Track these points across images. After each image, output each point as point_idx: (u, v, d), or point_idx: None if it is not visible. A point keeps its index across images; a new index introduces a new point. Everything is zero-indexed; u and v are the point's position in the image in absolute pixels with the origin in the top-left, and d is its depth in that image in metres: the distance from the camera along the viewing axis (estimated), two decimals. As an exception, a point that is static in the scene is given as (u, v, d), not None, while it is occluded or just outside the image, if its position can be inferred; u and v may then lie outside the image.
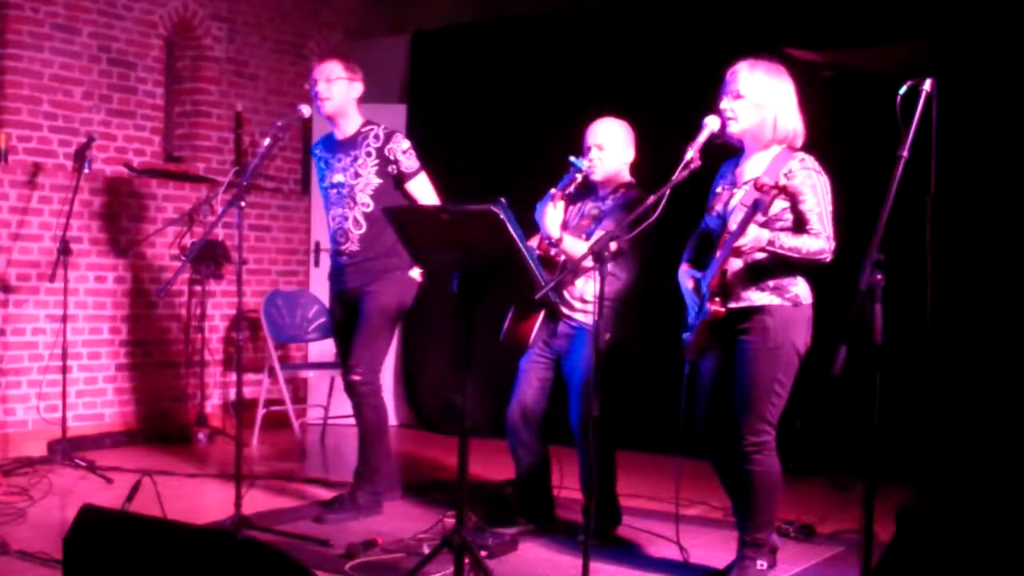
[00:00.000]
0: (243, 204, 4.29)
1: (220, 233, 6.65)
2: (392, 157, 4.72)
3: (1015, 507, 2.90)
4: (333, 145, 4.85)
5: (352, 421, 4.90)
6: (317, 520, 4.62)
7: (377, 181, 4.72)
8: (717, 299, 3.67)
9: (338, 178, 4.78)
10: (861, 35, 5.74)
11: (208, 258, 6.56)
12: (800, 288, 3.71)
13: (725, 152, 3.88)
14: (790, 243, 3.58)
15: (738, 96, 3.69)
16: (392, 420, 6.09)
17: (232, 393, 6.79)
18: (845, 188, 3.94)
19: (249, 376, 6.90)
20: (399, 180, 4.75)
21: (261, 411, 6.71)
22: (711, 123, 3.71)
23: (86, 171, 6.03)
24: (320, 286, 6.97)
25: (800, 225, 3.62)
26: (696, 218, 3.97)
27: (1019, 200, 5.23)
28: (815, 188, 3.62)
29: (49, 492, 5.05)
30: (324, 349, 7.15)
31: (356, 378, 4.71)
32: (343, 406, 5.61)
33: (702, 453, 3.94)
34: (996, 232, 5.26)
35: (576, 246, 4.24)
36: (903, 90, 3.11)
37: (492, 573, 3.71)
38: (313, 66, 4.82)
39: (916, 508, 2.98)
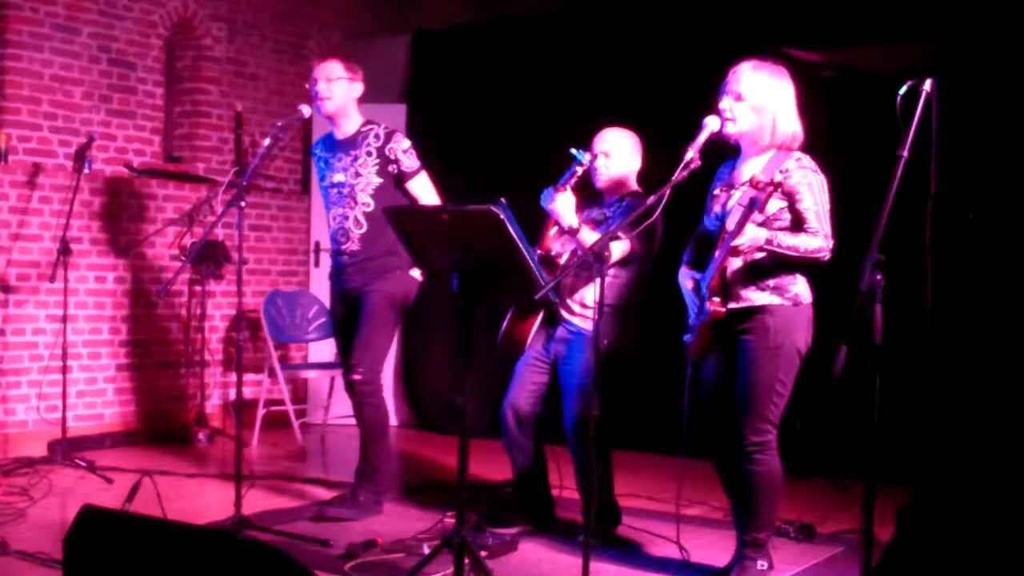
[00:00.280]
0: (243, 204, 4.29)
1: (220, 233, 6.65)
2: (392, 156, 4.72)
3: (1015, 507, 2.90)
4: (333, 145, 4.85)
5: (352, 421, 4.90)
6: (317, 520, 4.62)
7: (377, 180, 4.72)
8: (717, 299, 3.66)
9: (338, 178, 4.78)
10: (861, 35, 5.74)
11: (208, 258, 6.56)
12: (800, 287, 3.71)
13: (724, 152, 3.88)
14: (788, 242, 3.57)
15: (739, 98, 3.69)
16: (392, 420, 6.09)
17: (232, 393, 6.79)
18: (845, 188, 3.94)
19: (249, 376, 6.90)
20: (399, 179, 4.75)
21: (261, 411, 6.71)
22: (711, 123, 3.70)
23: (86, 171, 6.03)
24: (320, 286, 6.97)
25: (798, 224, 3.63)
26: (695, 220, 3.97)
27: (1019, 200, 5.23)
28: (812, 187, 3.62)
29: (49, 492, 5.05)
30: (324, 349, 7.15)
31: (356, 378, 4.71)
32: (343, 406, 5.61)
33: (705, 453, 3.94)
34: (996, 232, 5.26)
35: (593, 239, 4.21)
36: (903, 90, 3.11)
37: (492, 573, 3.71)
38: (313, 66, 4.82)
39: (916, 508, 2.98)
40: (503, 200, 3.49)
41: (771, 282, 3.67)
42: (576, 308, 4.39)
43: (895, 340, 3.15)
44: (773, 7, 6.03)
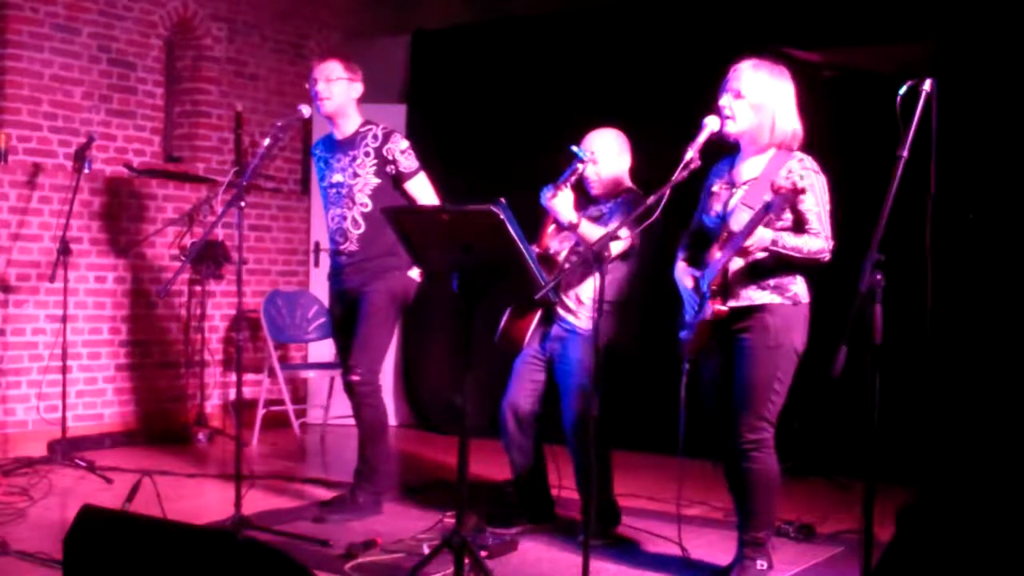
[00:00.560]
0: (243, 204, 4.29)
1: (220, 233, 6.65)
2: (390, 157, 4.72)
3: (1015, 507, 2.90)
4: (332, 145, 4.85)
5: (352, 421, 4.90)
6: (317, 520, 4.62)
7: (376, 181, 4.72)
8: (719, 298, 3.66)
9: (337, 178, 4.78)
10: (861, 35, 5.74)
11: (208, 258, 6.56)
12: (799, 287, 3.72)
13: (723, 151, 3.88)
14: (792, 243, 3.58)
15: (738, 96, 3.69)
16: (392, 420, 6.09)
17: (232, 393, 6.79)
18: (845, 188, 3.95)
19: (249, 376, 6.90)
20: (398, 180, 4.75)
21: (261, 411, 6.71)
22: (711, 123, 3.71)
23: (86, 171, 6.03)
24: (320, 286, 6.97)
25: (799, 225, 3.63)
26: (690, 216, 3.96)
27: (1019, 200, 5.23)
28: (814, 188, 3.63)
29: (49, 492, 5.05)
30: (324, 349, 7.15)
31: (355, 378, 4.71)
32: (343, 406, 5.60)
33: (706, 453, 3.94)
34: (996, 232, 5.26)
35: (594, 232, 4.21)
36: (903, 90, 3.11)
37: (492, 573, 3.71)
38: (313, 66, 4.82)
39: (916, 508, 2.98)
40: (503, 200, 3.49)
41: (772, 281, 3.68)
42: (571, 305, 4.39)
43: (895, 340, 3.15)
44: (773, 7, 6.03)
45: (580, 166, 4.26)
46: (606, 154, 4.37)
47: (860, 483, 3.09)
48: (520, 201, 3.85)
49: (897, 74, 3.18)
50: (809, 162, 3.69)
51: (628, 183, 4.45)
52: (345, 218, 4.75)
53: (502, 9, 7.26)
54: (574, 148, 4.27)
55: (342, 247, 4.78)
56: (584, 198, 4.41)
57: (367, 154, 4.73)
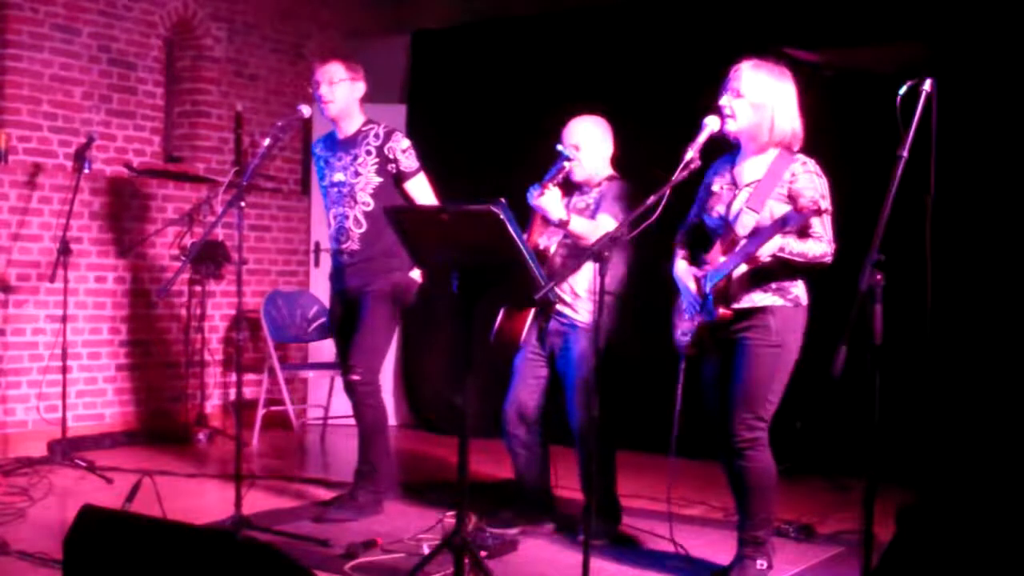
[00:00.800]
0: (243, 204, 4.29)
1: (220, 233, 6.65)
2: (391, 156, 4.72)
3: (1015, 507, 2.90)
4: (333, 144, 4.85)
5: (352, 421, 4.90)
6: (317, 520, 4.62)
7: (377, 180, 4.72)
8: (723, 302, 3.68)
9: (338, 177, 4.78)
10: (861, 35, 5.74)
11: (208, 258, 6.56)
12: (800, 289, 3.73)
13: (723, 150, 3.88)
14: (798, 248, 3.59)
15: (738, 95, 3.70)
16: (392, 420, 6.09)
17: (232, 393, 6.79)
18: (845, 188, 3.94)
19: (249, 376, 6.90)
20: (397, 179, 4.75)
21: (261, 411, 6.71)
22: (711, 123, 3.71)
23: (86, 171, 6.03)
24: (320, 286, 6.97)
25: (803, 229, 3.63)
26: (685, 210, 3.96)
27: (1019, 200, 5.22)
28: (817, 191, 3.63)
29: (49, 492, 5.05)
30: (324, 349, 7.14)
31: (355, 378, 4.71)
32: (343, 406, 5.61)
33: (707, 453, 3.93)
34: (996, 232, 5.26)
35: (586, 225, 4.22)
36: (903, 90, 3.11)
37: (492, 573, 3.71)
38: (315, 68, 4.82)
39: (916, 508, 2.98)
40: (503, 200, 3.49)
41: (774, 284, 3.69)
42: (567, 298, 4.39)
43: (895, 340, 3.15)
44: (773, 7, 6.03)
45: (566, 164, 4.29)
46: (589, 142, 4.40)
47: (860, 483, 3.08)
48: (520, 201, 3.86)
49: (897, 74, 3.18)
50: (812, 165, 3.70)
51: (609, 170, 4.47)
52: (347, 217, 4.75)
53: (502, 9, 7.26)
54: (560, 147, 4.31)
55: (344, 246, 4.78)
56: (566, 185, 4.42)
57: (369, 153, 4.73)
